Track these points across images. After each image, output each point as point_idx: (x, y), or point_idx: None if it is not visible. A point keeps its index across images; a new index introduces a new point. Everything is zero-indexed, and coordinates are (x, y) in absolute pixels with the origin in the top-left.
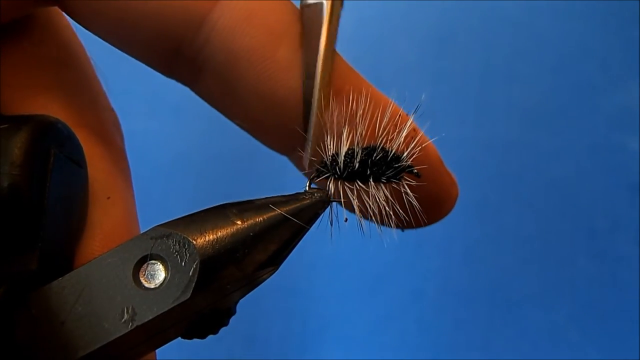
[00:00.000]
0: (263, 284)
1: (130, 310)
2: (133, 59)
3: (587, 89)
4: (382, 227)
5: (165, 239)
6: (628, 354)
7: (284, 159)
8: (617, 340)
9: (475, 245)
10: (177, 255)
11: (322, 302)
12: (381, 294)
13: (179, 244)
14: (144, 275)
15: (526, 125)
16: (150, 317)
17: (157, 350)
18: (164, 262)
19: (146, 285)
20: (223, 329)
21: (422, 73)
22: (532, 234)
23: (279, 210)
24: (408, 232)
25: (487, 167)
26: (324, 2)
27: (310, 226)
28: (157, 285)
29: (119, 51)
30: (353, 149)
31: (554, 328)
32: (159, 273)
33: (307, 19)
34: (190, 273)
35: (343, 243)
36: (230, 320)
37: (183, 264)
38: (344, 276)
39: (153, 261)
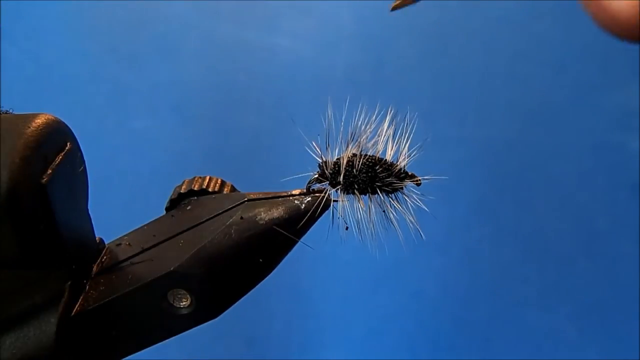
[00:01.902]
0: (264, 284)
1: None
2: (133, 58)
3: (587, 89)
4: (381, 230)
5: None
6: (628, 354)
7: (284, 158)
8: (617, 340)
9: (475, 245)
10: None
11: (322, 302)
12: (381, 294)
13: None
14: None
15: (526, 125)
16: None
17: (155, 350)
18: None
19: None
20: (223, 329)
21: (422, 73)
22: (532, 234)
23: (284, 232)
24: (408, 232)
25: (487, 167)
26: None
27: (305, 232)
28: None
29: (120, 51)
30: (352, 161)
31: (554, 328)
32: None
33: None
34: None
35: (343, 243)
36: (231, 320)
37: None
38: (344, 276)
39: None
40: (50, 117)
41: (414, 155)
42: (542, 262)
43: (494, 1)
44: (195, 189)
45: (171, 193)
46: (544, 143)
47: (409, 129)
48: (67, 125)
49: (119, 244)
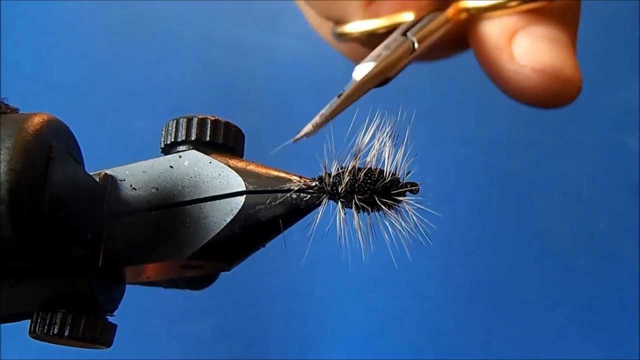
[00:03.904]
0: (263, 284)
1: None
2: (133, 59)
3: (587, 89)
4: (377, 233)
5: None
6: (628, 354)
7: (284, 159)
8: (618, 340)
9: (475, 245)
10: None
11: (322, 302)
12: (381, 294)
13: None
14: None
15: (526, 125)
16: None
17: (156, 350)
18: None
19: None
20: (223, 329)
21: (423, 73)
22: (532, 234)
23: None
24: (407, 232)
25: (487, 167)
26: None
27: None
28: None
29: (120, 51)
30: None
31: (555, 327)
32: None
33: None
34: None
35: (343, 243)
36: (231, 320)
37: None
38: (344, 276)
39: None
40: (48, 116)
41: (412, 163)
42: (543, 261)
43: None
44: (193, 139)
45: (163, 130)
46: (544, 143)
47: (408, 138)
48: (65, 124)
49: (123, 180)
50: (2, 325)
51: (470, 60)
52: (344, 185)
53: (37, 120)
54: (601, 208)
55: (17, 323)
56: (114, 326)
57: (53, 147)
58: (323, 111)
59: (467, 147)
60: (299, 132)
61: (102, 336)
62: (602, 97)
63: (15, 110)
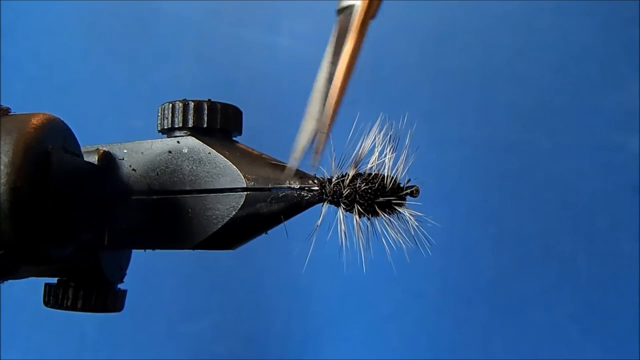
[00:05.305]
0: (263, 284)
1: None
2: (133, 59)
3: (587, 89)
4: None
5: None
6: (628, 354)
7: (285, 158)
8: (618, 340)
9: (475, 245)
10: None
11: (322, 302)
12: (381, 294)
13: None
14: None
15: (526, 125)
16: None
17: (156, 350)
18: None
19: None
20: (222, 329)
21: (422, 73)
22: (532, 234)
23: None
24: (407, 232)
25: (487, 167)
26: (357, 3)
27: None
28: None
29: (120, 51)
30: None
31: (554, 328)
32: None
33: (340, 23)
34: None
35: (343, 243)
36: (231, 320)
37: None
38: (344, 276)
39: None
40: (48, 115)
41: (412, 163)
42: (543, 262)
43: (494, 1)
44: (190, 125)
45: (158, 112)
46: (544, 143)
47: (408, 142)
48: (59, 119)
49: (122, 159)
50: (2, 325)
51: (470, 61)
52: (344, 195)
53: (30, 127)
54: (601, 208)
55: (16, 324)
56: (124, 292)
57: (50, 151)
58: (316, 108)
59: (467, 147)
60: (299, 143)
61: (112, 304)
62: (602, 97)
63: (7, 110)
